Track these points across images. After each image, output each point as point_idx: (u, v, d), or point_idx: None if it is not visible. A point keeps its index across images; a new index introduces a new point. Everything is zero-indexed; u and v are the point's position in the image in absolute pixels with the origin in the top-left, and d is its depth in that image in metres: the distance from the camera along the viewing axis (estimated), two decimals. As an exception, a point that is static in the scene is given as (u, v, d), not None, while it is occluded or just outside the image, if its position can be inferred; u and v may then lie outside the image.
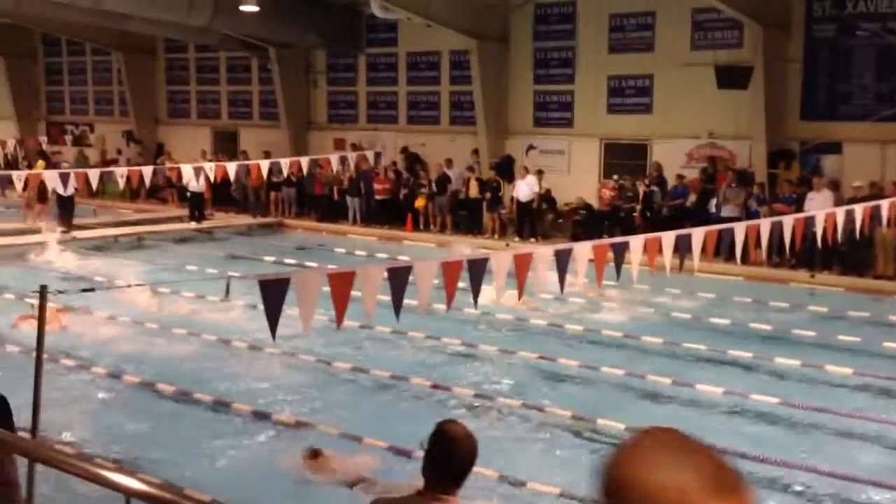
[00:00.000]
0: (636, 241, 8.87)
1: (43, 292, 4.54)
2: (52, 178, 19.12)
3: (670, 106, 20.51)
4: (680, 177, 19.70)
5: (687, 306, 14.54)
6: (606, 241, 9.16)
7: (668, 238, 9.13)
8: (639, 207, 19.69)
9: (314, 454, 8.08)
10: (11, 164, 29.07)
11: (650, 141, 21.02)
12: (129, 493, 2.58)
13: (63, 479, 6.26)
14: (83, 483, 2.81)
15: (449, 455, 3.43)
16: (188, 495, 2.46)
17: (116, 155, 29.71)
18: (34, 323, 13.11)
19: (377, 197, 22.88)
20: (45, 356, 5.58)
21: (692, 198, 19.31)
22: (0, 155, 30.27)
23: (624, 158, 21.34)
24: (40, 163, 25.86)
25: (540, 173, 21.14)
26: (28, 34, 31.84)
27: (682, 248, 9.15)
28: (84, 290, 6.48)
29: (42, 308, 4.51)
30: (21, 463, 5.31)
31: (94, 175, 19.38)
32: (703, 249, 9.77)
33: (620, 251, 8.55)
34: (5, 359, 10.62)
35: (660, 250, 9.05)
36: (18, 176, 19.27)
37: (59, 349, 10.86)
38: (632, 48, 21.07)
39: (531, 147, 22.71)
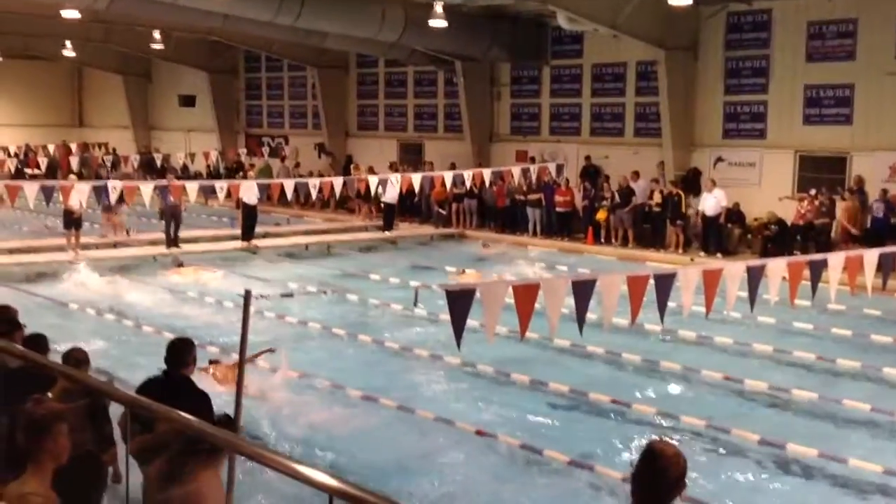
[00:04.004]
0: (835, 259, 8.42)
1: (247, 297, 4.78)
2: (246, 188, 20.19)
3: (873, 116, 19.41)
4: (884, 192, 18.54)
5: (889, 329, 13.65)
6: (803, 258, 8.74)
7: (871, 256, 8.62)
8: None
9: (213, 362, 10.31)
10: (213, 174, 30.99)
11: (850, 153, 19.93)
12: (331, 492, 2.68)
13: (264, 475, 6.61)
14: (285, 482, 2.94)
15: (658, 475, 3.39)
16: (388, 498, 2.54)
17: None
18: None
19: (558, 209, 22.83)
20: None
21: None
22: (203, 165, 32.42)
23: (821, 172, 20.33)
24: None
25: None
26: (231, 51, 33.89)
27: (887, 266, 8.62)
28: (283, 296, 6.81)
29: (246, 312, 4.75)
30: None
31: (289, 185, 20.30)
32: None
33: (818, 269, 8.15)
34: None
35: (861, 268, 8.56)
36: (220, 186, 20.44)
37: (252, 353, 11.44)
38: (831, 56, 20.07)
39: (719, 159, 22.02)
